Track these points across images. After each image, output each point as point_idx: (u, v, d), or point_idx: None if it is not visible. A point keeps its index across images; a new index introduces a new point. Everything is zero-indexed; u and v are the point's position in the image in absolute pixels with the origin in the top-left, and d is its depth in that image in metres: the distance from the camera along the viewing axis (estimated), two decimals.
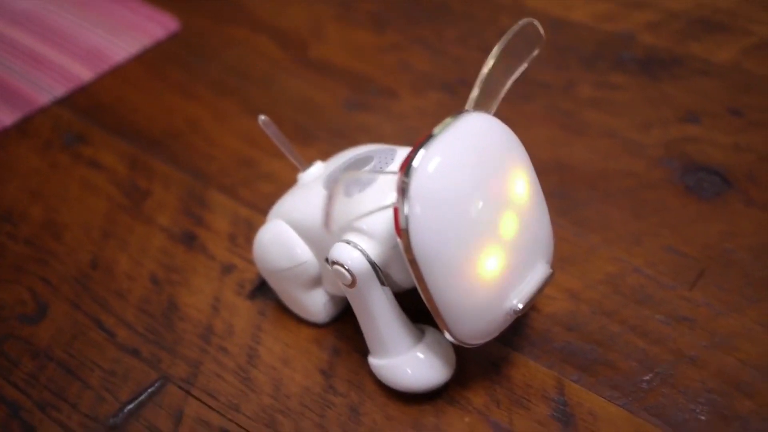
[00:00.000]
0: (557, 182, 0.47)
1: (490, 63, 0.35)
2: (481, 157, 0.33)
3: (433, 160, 0.32)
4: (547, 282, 0.36)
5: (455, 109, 0.34)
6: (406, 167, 0.32)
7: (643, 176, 0.47)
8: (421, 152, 0.32)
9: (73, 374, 0.40)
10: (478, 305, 0.34)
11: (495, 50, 0.35)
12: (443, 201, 0.32)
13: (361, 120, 0.53)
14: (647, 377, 0.37)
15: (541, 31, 0.35)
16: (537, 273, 0.35)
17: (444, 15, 0.61)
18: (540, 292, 0.35)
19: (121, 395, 0.39)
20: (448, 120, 0.33)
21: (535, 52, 0.36)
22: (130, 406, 0.38)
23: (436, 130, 0.33)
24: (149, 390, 0.39)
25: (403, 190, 0.32)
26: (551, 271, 0.36)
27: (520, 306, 0.34)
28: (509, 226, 0.34)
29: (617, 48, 0.56)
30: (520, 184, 0.35)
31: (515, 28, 0.35)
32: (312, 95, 0.56)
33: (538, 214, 0.35)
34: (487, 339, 0.35)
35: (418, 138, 0.33)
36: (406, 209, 0.32)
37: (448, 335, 0.34)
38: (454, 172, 0.32)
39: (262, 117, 0.41)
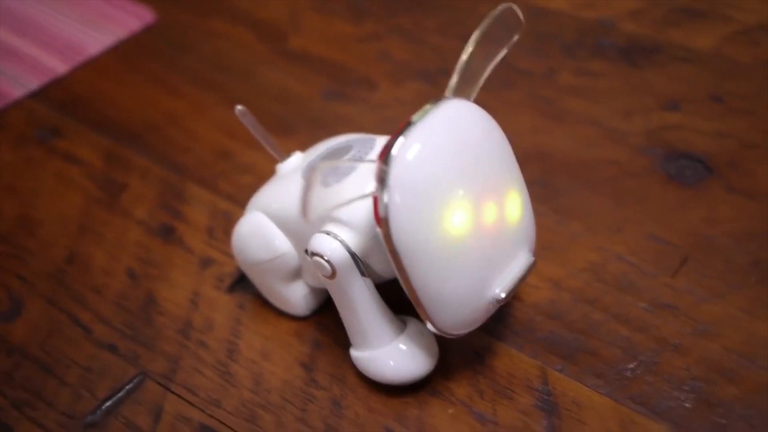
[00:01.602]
0: (538, 170, 0.46)
1: (469, 49, 0.34)
2: (461, 144, 0.33)
3: (412, 148, 0.31)
4: (530, 270, 0.35)
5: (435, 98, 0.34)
6: (384, 155, 0.31)
7: (625, 164, 0.46)
8: (400, 140, 0.31)
9: (49, 372, 0.39)
10: (460, 295, 0.33)
11: (474, 36, 0.34)
12: (423, 189, 0.31)
13: (340, 110, 0.53)
14: (631, 365, 0.37)
15: (521, 16, 0.35)
16: (519, 262, 0.35)
17: (423, 4, 0.61)
18: (522, 280, 0.35)
19: (99, 392, 0.38)
20: (427, 107, 0.33)
21: (515, 38, 0.35)
22: (108, 403, 0.38)
23: (414, 117, 0.32)
24: (127, 387, 0.38)
25: (382, 179, 0.31)
26: (533, 259, 0.36)
27: (503, 295, 0.34)
28: (490, 214, 0.33)
29: (598, 35, 0.56)
30: (501, 172, 0.34)
31: (494, 13, 0.34)
32: (291, 86, 0.55)
33: (520, 202, 0.35)
34: (470, 329, 0.35)
35: (398, 126, 0.32)
36: (385, 198, 0.31)
37: (430, 326, 0.34)
38: (433, 160, 0.32)
39: (239, 107, 0.40)
